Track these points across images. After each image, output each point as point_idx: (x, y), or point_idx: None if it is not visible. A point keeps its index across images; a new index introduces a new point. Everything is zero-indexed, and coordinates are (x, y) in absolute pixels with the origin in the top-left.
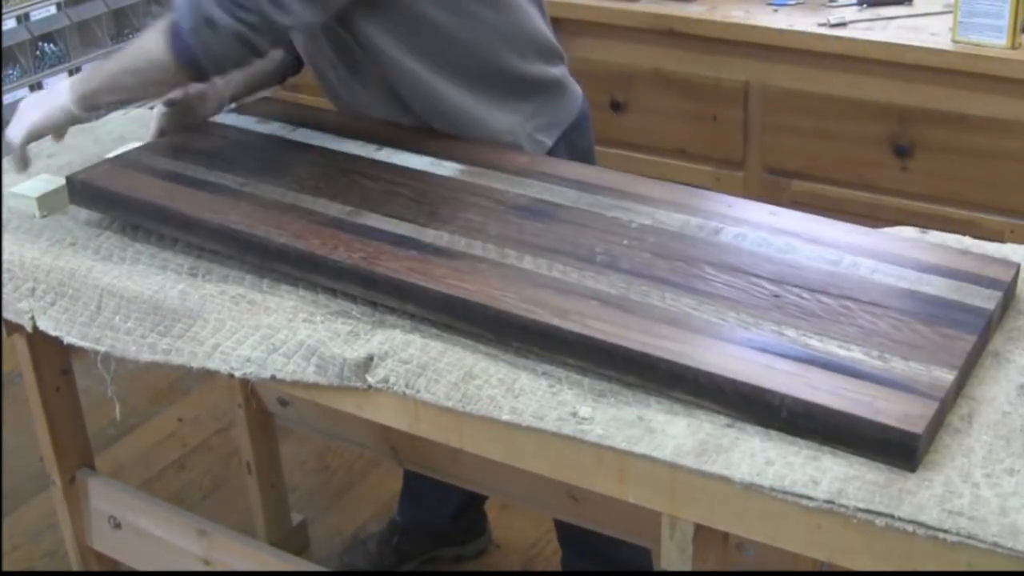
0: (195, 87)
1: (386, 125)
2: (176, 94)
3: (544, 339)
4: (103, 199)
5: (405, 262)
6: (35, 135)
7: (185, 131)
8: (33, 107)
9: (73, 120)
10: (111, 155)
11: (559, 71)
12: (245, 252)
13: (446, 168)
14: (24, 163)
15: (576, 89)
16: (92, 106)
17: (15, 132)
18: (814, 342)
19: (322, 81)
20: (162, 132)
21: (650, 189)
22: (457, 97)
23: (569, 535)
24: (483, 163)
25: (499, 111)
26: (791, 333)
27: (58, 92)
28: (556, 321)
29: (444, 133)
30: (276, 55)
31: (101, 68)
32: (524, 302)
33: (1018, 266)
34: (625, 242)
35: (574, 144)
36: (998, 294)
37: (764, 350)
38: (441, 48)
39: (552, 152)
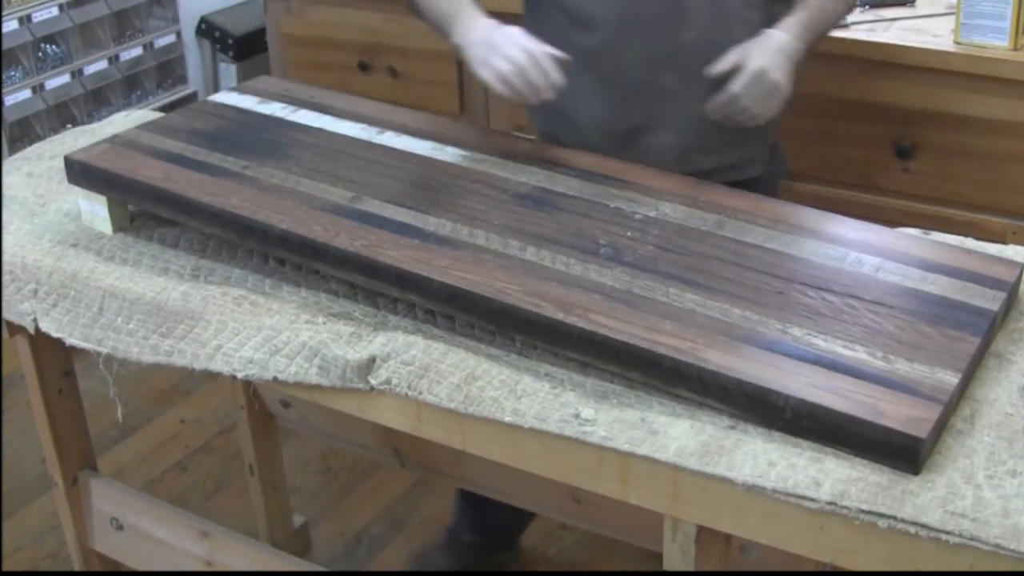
0: None
1: (387, 108)
2: None
3: (548, 334)
4: (101, 180)
5: (407, 251)
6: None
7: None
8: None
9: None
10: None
11: None
12: (246, 237)
13: (448, 154)
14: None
15: None
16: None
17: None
18: (819, 342)
19: None
20: None
21: (652, 179)
22: None
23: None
24: (485, 149)
25: None
26: (796, 332)
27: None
28: (561, 316)
29: (444, 117)
30: None
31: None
32: (528, 295)
33: (1021, 267)
34: (628, 234)
35: None
36: (1002, 295)
37: (769, 349)
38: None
39: None
